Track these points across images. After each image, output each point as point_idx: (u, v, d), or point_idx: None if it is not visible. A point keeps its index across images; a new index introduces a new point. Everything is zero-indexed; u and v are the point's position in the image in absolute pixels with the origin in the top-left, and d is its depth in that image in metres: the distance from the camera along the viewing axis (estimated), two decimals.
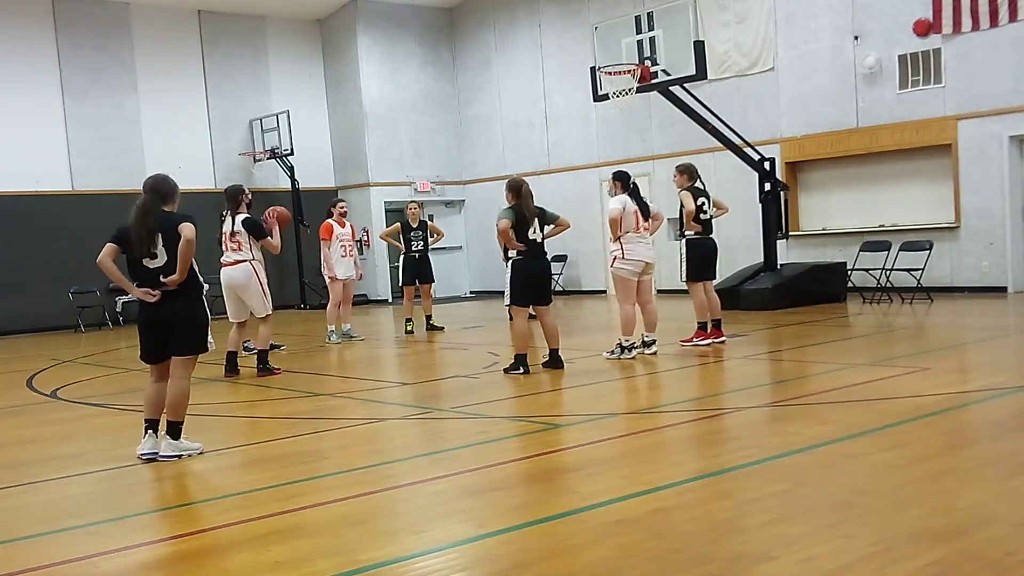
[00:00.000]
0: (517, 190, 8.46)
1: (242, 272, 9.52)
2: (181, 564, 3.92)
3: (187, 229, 5.68)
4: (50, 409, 8.43)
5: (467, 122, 21.90)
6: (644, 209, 9.17)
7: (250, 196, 9.86)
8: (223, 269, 9.66)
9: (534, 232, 8.45)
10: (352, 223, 13.19)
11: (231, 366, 9.61)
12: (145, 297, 5.74)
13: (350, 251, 12.41)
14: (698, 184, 10.01)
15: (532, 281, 8.53)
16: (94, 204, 17.05)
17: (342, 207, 12.58)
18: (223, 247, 9.65)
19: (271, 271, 12.99)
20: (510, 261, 8.68)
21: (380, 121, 20.94)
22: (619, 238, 9.04)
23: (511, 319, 8.90)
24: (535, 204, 8.53)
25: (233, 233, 9.50)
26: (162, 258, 5.71)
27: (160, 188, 5.81)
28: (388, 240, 13.71)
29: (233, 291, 9.66)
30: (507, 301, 8.73)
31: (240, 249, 9.50)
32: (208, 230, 9.03)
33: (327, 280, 12.50)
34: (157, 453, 5.77)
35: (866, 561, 3.38)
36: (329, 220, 12.42)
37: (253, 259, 9.55)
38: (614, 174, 9.34)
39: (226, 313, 9.84)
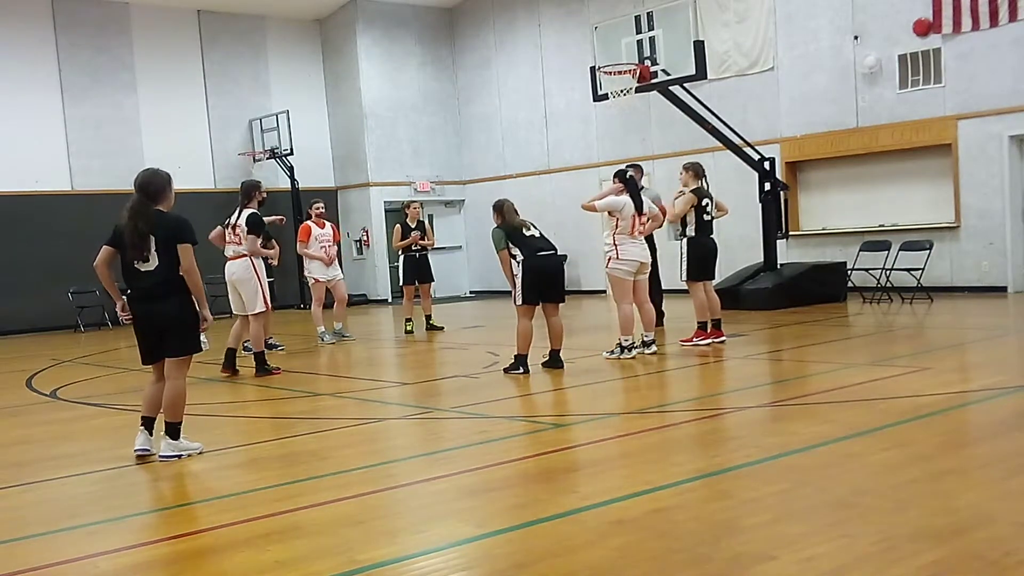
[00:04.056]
0: (500, 210, 8.56)
1: (240, 267, 9.58)
2: (180, 564, 3.92)
3: (186, 253, 5.57)
4: (50, 409, 8.42)
5: (467, 122, 21.88)
6: (639, 206, 9.12)
7: (264, 194, 9.95)
8: (227, 263, 9.73)
9: (529, 230, 8.49)
10: (333, 223, 13.15)
11: (229, 362, 9.60)
12: (121, 316, 5.76)
13: (330, 251, 12.40)
14: (703, 184, 9.99)
15: (543, 278, 8.40)
16: (93, 204, 16.99)
17: (318, 208, 12.52)
18: (227, 239, 9.72)
19: (273, 271, 12.99)
20: (520, 263, 8.41)
21: (380, 121, 20.93)
22: (614, 238, 9.06)
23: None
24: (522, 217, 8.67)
25: (235, 225, 9.59)
26: (153, 262, 5.61)
27: (148, 188, 5.67)
28: (403, 246, 12.98)
29: (232, 284, 9.71)
30: (517, 301, 8.41)
31: (240, 243, 9.56)
32: (206, 231, 9.04)
33: (310, 282, 12.52)
34: (150, 450, 5.79)
35: (866, 561, 3.38)
36: (307, 222, 12.42)
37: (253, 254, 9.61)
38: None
39: (228, 312, 9.88)
